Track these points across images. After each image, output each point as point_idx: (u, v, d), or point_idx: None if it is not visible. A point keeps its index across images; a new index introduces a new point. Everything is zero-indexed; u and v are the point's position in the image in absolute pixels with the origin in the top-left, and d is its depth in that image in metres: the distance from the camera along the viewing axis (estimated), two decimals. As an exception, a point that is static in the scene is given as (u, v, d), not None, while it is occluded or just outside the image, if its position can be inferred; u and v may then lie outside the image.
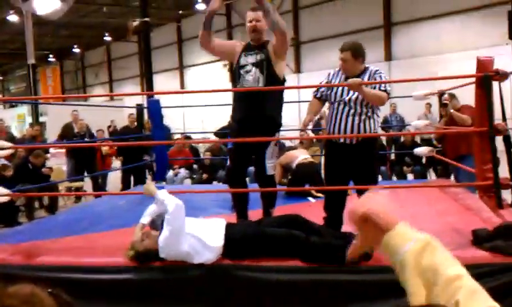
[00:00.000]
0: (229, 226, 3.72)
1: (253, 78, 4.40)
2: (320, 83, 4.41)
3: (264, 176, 4.57)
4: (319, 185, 6.54)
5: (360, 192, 4.10)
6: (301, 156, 6.99)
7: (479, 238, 3.48)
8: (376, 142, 4.52)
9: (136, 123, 10.67)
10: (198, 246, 3.58)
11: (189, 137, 12.77)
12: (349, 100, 4.08)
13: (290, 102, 7.01)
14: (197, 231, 3.63)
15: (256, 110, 4.40)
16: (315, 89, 4.44)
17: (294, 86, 21.98)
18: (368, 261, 3.43)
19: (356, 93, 4.04)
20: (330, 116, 4.22)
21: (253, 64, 4.43)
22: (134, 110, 11.04)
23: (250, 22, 4.47)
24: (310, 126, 7.83)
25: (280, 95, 4.58)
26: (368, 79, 4.10)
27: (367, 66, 4.20)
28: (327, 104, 4.43)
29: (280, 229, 3.63)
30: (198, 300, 3.61)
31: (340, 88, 4.15)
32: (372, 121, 4.13)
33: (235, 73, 4.59)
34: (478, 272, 3.29)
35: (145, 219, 3.84)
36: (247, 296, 3.55)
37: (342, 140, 4.14)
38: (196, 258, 3.59)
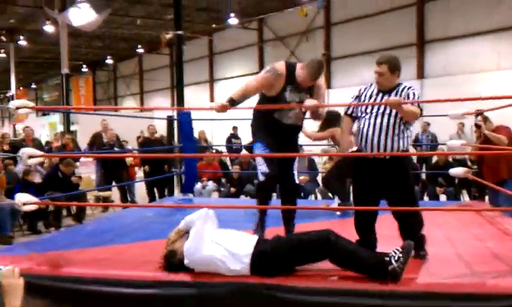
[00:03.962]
0: (261, 240, 3.63)
1: (295, 116, 4.49)
2: (352, 99, 4.26)
3: (294, 187, 4.64)
4: None
5: (397, 213, 3.95)
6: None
7: (523, 267, 3.29)
8: (410, 159, 4.33)
9: (156, 134, 10.80)
10: (224, 252, 3.52)
11: (218, 151, 12.76)
12: (381, 113, 3.92)
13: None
14: (225, 239, 3.61)
15: (291, 145, 4.58)
16: (347, 106, 4.30)
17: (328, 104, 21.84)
18: (398, 284, 3.28)
19: (391, 109, 3.89)
20: (361, 131, 4.03)
21: (299, 103, 4.44)
22: (153, 122, 11.18)
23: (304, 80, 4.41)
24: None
25: None
26: (401, 95, 3.93)
27: (400, 82, 4.04)
28: None
29: (312, 235, 3.53)
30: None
31: (372, 104, 3.99)
32: (403, 137, 3.94)
33: (276, 100, 4.45)
34: (521, 302, 3.12)
35: (182, 224, 3.84)
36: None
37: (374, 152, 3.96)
38: (221, 266, 3.52)
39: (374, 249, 3.90)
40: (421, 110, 3.89)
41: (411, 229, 3.92)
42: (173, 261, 3.65)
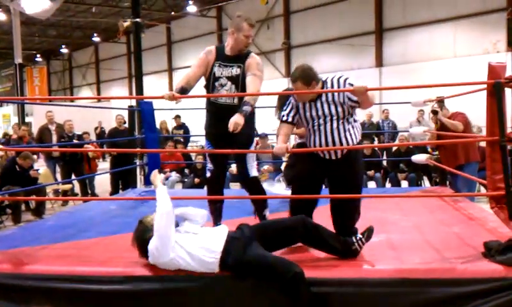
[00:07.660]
0: (227, 243, 3.45)
1: (227, 93, 4.27)
2: (289, 109, 4.05)
3: (248, 179, 4.49)
4: None
5: (336, 203, 3.93)
6: None
7: (491, 251, 3.34)
8: (361, 153, 4.33)
9: (124, 125, 10.46)
10: (188, 259, 3.39)
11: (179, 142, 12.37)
12: (326, 116, 3.83)
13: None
14: (190, 245, 3.43)
15: (237, 135, 4.14)
16: (283, 115, 4.09)
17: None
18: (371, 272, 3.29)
19: (331, 109, 3.81)
20: (310, 134, 3.95)
21: (228, 78, 4.29)
22: (121, 112, 10.82)
23: (247, 37, 4.31)
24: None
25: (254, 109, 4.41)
26: (332, 87, 3.84)
27: (323, 79, 3.89)
28: None
29: (271, 259, 3.38)
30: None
31: (309, 112, 3.88)
32: (353, 129, 3.89)
33: (208, 83, 4.39)
34: (491, 286, 3.17)
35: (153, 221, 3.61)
36: None
37: (327, 155, 3.91)
38: (187, 268, 3.43)
39: None
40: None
41: (349, 223, 3.93)
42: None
